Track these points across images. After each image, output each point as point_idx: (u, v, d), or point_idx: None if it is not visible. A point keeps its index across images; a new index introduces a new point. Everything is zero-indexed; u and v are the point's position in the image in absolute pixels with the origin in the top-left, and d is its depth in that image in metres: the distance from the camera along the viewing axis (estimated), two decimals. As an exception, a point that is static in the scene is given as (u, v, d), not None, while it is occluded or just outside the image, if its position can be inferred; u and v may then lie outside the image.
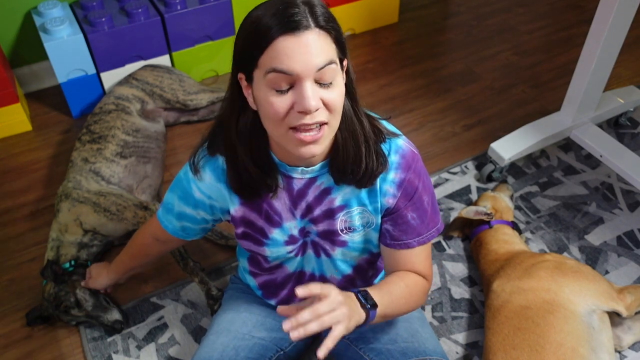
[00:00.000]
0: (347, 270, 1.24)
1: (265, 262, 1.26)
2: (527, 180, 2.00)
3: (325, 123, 0.94)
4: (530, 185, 1.98)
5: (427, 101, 2.37)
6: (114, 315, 1.57)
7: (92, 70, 2.23)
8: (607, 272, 1.70)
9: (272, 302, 1.36)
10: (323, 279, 1.25)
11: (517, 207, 1.91)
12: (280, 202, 1.13)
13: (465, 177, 2.02)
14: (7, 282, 1.74)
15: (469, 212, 1.70)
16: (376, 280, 1.35)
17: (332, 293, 0.95)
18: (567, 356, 1.30)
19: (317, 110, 0.92)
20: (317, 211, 1.13)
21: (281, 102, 0.92)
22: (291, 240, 1.17)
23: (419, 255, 1.17)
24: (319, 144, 0.96)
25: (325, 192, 1.11)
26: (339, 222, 1.13)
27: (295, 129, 0.94)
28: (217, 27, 2.36)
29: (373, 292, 1.06)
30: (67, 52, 2.13)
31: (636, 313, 1.50)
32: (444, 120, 2.28)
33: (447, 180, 2.01)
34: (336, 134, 1.02)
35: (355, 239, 1.16)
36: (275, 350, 1.28)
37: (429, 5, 2.97)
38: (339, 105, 0.95)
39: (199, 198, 1.18)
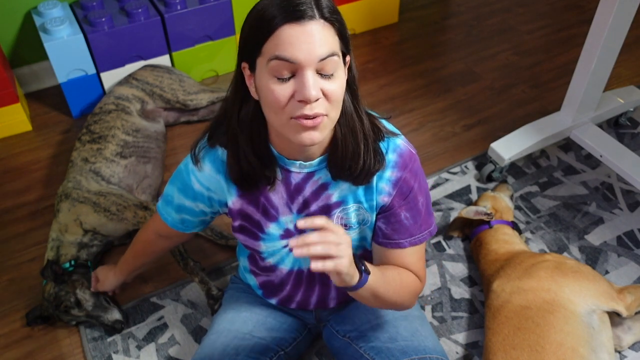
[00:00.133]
0: None
1: (260, 261, 1.26)
2: (527, 180, 2.00)
3: (325, 115, 0.95)
4: (530, 185, 1.98)
5: (427, 101, 2.37)
6: (114, 315, 1.57)
7: (92, 70, 2.23)
8: (607, 272, 1.70)
9: (273, 301, 1.36)
10: (322, 274, 1.25)
11: (517, 207, 1.91)
12: (277, 196, 1.13)
13: (465, 177, 2.02)
14: (7, 282, 1.74)
15: (469, 212, 1.70)
16: None
17: (340, 230, 0.94)
18: (567, 356, 1.30)
19: (317, 100, 0.92)
20: (314, 207, 1.13)
21: (282, 90, 0.92)
22: (286, 234, 1.18)
23: (410, 256, 1.16)
24: (319, 131, 0.96)
25: (323, 188, 1.12)
26: (335, 219, 1.14)
27: (295, 118, 0.94)
28: (217, 27, 2.36)
29: (367, 265, 1.05)
30: (67, 52, 2.13)
31: (636, 313, 1.50)
32: (444, 120, 2.28)
33: (447, 180, 2.01)
34: (336, 129, 1.03)
35: (352, 236, 1.17)
36: (276, 350, 1.28)
37: (429, 5, 2.98)
38: (339, 97, 0.96)
39: (197, 190, 1.18)
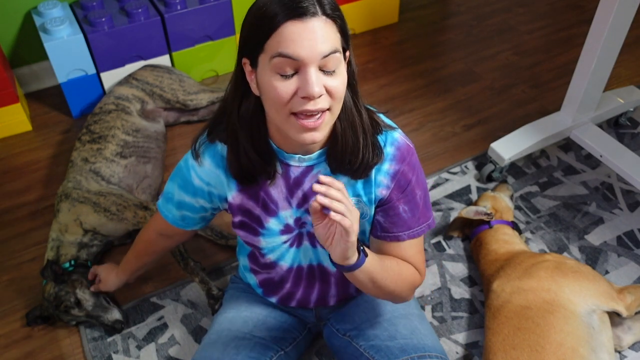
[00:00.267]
0: None
1: (260, 257, 1.26)
2: (527, 180, 2.00)
3: (327, 109, 0.96)
4: (530, 185, 1.98)
5: (427, 101, 2.37)
6: (114, 315, 1.57)
7: (92, 70, 2.23)
8: (607, 272, 1.70)
9: (273, 299, 1.36)
10: (322, 269, 1.25)
11: (517, 207, 1.91)
12: (277, 190, 1.14)
13: (465, 177, 2.02)
14: (7, 282, 1.74)
15: (469, 212, 1.70)
16: None
17: (349, 202, 0.95)
18: (567, 356, 1.30)
19: (320, 96, 0.93)
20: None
21: (285, 87, 0.93)
22: (286, 229, 1.18)
23: (408, 249, 1.17)
24: (320, 131, 0.97)
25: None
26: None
27: (297, 115, 0.95)
28: (217, 27, 2.36)
29: (366, 250, 1.06)
30: (67, 52, 2.13)
31: (636, 313, 1.50)
32: (444, 120, 2.28)
33: (447, 180, 2.01)
34: (335, 124, 1.03)
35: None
36: (276, 350, 1.28)
37: (429, 5, 2.98)
38: (341, 93, 0.97)
39: (198, 185, 1.19)
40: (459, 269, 1.74)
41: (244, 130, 1.05)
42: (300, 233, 1.19)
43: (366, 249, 1.06)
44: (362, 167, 1.07)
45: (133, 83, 2.12)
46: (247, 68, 0.99)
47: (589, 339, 1.35)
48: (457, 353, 1.53)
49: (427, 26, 2.83)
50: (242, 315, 1.34)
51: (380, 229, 1.16)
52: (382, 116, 1.14)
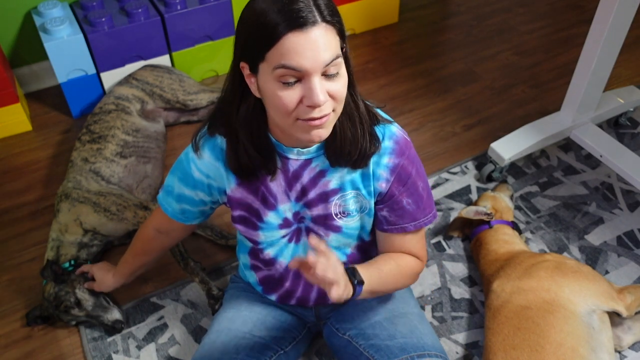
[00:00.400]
0: (342, 258, 1.25)
1: (260, 253, 1.27)
2: (527, 180, 2.00)
3: (332, 112, 0.98)
4: (530, 185, 1.98)
5: (427, 101, 2.37)
6: (114, 315, 1.57)
7: (92, 70, 2.23)
8: (607, 272, 1.70)
9: (273, 297, 1.36)
10: None
11: (517, 207, 1.91)
12: (276, 184, 1.15)
13: (465, 177, 2.02)
14: (7, 282, 1.74)
15: (469, 212, 1.70)
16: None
17: (334, 256, 0.99)
18: (567, 356, 1.30)
19: (325, 103, 0.95)
20: (312, 194, 1.15)
21: (290, 96, 0.94)
22: (285, 223, 1.19)
23: (413, 239, 1.21)
24: (326, 128, 1.00)
25: (320, 175, 1.14)
26: (334, 206, 1.16)
27: (303, 120, 0.97)
28: (217, 27, 2.36)
29: (362, 270, 1.12)
30: (67, 52, 2.13)
31: (636, 313, 1.50)
32: (444, 120, 2.28)
33: (447, 180, 2.01)
34: None
35: (350, 224, 1.18)
36: (276, 350, 1.28)
37: (429, 5, 2.97)
38: (343, 94, 0.99)
39: (197, 178, 1.19)
40: (459, 269, 1.74)
41: (244, 130, 1.06)
42: (299, 228, 1.20)
43: (361, 272, 1.10)
44: (360, 157, 1.10)
45: (133, 83, 2.12)
46: (246, 72, 0.99)
47: (589, 339, 1.35)
48: (457, 353, 1.53)
49: (427, 26, 2.83)
50: (241, 315, 1.34)
51: (386, 222, 1.19)
52: (379, 111, 1.15)
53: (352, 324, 1.30)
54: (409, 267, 1.23)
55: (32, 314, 1.60)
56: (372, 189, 1.15)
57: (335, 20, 0.93)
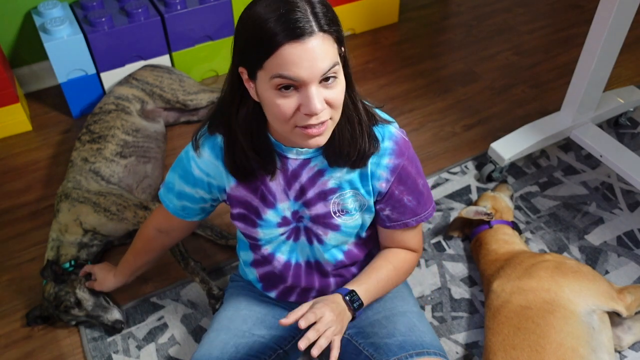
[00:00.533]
0: (339, 256, 1.26)
1: (258, 249, 1.28)
2: (527, 180, 2.00)
3: (329, 119, 0.99)
4: (530, 185, 1.98)
5: (427, 101, 2.37)
6: (114, 315, 1.57)
7: (92, 70, 2.23)
8: (607, 272, 1.70)
9: (272, 294, 1.36)
10: (319, 266, 1.27)
11: (517, 207, 1.91)
12: (275, 183, 1.16)
13: (465, 177, 2.02)
14: (7, 282, 1.74)
15: (469, 212, 1.70)
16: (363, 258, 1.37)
17: (325, 313, 1.08)
18: (567, 356, 1.30)
19: (322, 111, 0.96)
20: (311, 193, 1.16)
21: (287, 105, 0.95)
22: (284, 222, 1.20)
23: (412, 232, 1.26)
24: (324, 135, 1.01)
25: (319, 174, 1.15)
26: (332, 205, 1.17)
27: (301, 127, 0.98)
28: (217, 27, 2.36)
29: (360, 286, 1.19)
30: (67, 52, 2.13)
31: (636, 313, 1.50)
32: (444, 120, 2.28)
33: (447, 180, 2.01)
34: None
35: (349, 222, 1.19)
36: (275, 349, 1.28)
37: (429, 5, 2.97)
38: (341, 101, 1.00)
39: (197, 176, 1.20)
40: (459, 269, 1.74)
41: (243, 132, 1.07)
42: (297, 227, 1.21)
43: (359, 291, 1.18)
44: (359, 158, 1.11)
45: (133, 83, 2.12)
46: (245, 76, 1.00)
47: (589, 339, 1.35)
48: (457, 353, 1.53)
49: (427, 26, 2.83)
50: (241, 314, 1.34)
51: (388, 220, 1.22)
52: (378, 111, 1.16)
53: (352, 323, 1.30)
54: (405, 265, 1.27)
55: (32, 314, 1.60)
56: (370, 188, 1.16)
57: (332, 29, 0.94)
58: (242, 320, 1.32)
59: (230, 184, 1.18)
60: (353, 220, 1.19)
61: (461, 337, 1.57)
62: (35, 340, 1.60)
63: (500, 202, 1.77)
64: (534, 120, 2.05)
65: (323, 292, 1.32)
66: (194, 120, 2.27)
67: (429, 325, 1.32)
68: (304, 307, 1.11)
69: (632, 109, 2.16)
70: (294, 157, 1.13)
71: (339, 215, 1.18)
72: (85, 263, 1.66)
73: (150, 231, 1.41)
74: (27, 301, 1.69)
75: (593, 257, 1.74)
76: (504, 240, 1.65)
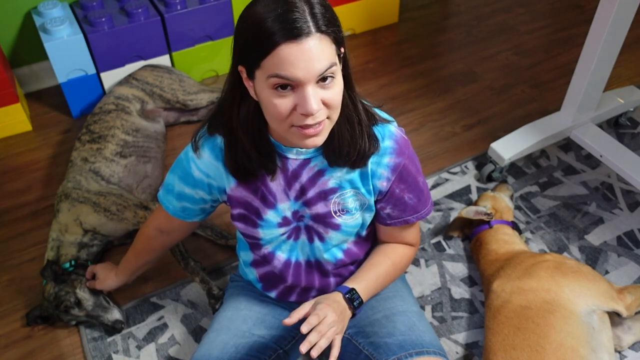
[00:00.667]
0: (339, 255, 1.26)
1: (258, 249, 1.28)
2: (527, 180, 2.00)
3: (327, 118, 0.99)
4: (530, 185, 1.98)
5: (427, 101, 2.37)
6: (114, 315, 1.57)
7: (92, 70, 2.23)
8: (607, 272, 1.70)
9: (273, 294, 1.36)
10: (319, 266, 1.27)
11: (517, 207, 1.91)
12: (275, 183, 1.16)
13: (465, 177, 2.02)
14: (7, 282, 1.74)
15: (469, 212, 1.70)
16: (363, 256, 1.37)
17: (328, 314, 1.10)
18: (567, 356, 1.30)
19: (318, 111, 0.96)
20: (311, 193, 1.16)
21: (284, 104, 0.95)
22: (284, 222, 1.20)
23: (411, 228, 1.28)
24: (321, 135, 1.01)
25: (319, 174, 1.15)
26: (333, 204, 1.17)
27: (297, 127, 0.98)
28: (217, 27, 2.36)
29: (360, 283, 1.22)
30: (67, 52, 2.13)
31: (636, 313, 1.50)
32: (444, 120, 2.28)
33: (447, 180, 2.01)
34: None
35: (349, 222, 1.20)
36: (275, 349, 1.28)
37: (429, 5, 2.98)
38: (338, 102, 0.99)
39: (197, 177, 1.20)
40: (459, 269, 1.74)
41: (244, 131, 1.08)
42: (298, 226, 1.21)
43: (359, 289, 1.20)
44: (359, 158, 1.11)
45: (133, 83, 2.12)
46: (244, 75, 1.01)
47: (589, 339, 1.35)
48: (457, 353, 1.53)
49: (427, 26, 2.83)
50: (241, 314, 1.34)
51: (389, 218, 1.23)
52: (377, 110, 1.17)
53: (351, 322, 1.31)
54: (403, 260, 1.30)
55: (32, 314, 1.60)
56: (371, 187, 1.17)
57: (330, 30, 0.94)
58: (242, 320, 1.32)
59: (230, 184, 1.18)
60: (353, 219, 1.19)
61: (461, 337, 1.57)
62: (35, 340, 1.60)
63: (500, 202, 1.77)
64: (534, 120, 2.05)
65: (323, 291, 1.32)
66: (194, 120, 2.27)
67: (429, 324, 1.33)
68: (307, 306, 1.11)
69: (632, 109, 2.16)
70: (294, 158, 1.13)
71: (339, 215, 1.18)
72: (85, 263, 1.66)
73: (150, 231, 1.41)
74: (27, 301, 1.69)
75: (593, 257, 1.74)
76: (504, 240, 1.65)
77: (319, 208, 1.17)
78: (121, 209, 1.72)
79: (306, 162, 1.14)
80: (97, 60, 2.21)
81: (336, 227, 1.19)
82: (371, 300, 1.33)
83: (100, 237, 1.71)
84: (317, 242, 1.22)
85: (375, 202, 1.21)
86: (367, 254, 1.33)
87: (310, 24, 0.91)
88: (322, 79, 0.94)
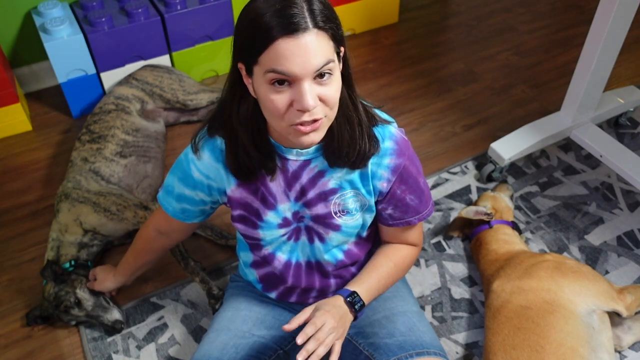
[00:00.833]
0: (339, 255, 1.26)
1: (259, 249, 1.28)
2: (527, 180, 2.00)
3: (324, 117, 0.99)
4: (530, 185, 1.98)
5: (427, 101, 2.37)
6: (114, 315, 1.57)
7: (92, 70, 2.23)
8: (607, 272, 1.70)
9: (273, 294, 1.36)
10: (319, 267, 1.27)
11: (517, 207, 1.91)
12: (275, 184, 1.16)
13: (465, 177, 2.02)
14: (7, 282, 1.74)
15: (469, 212, 1.70)
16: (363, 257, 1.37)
17: (326, 321, 1.09)
18: (567, 356, 1.30)
19: (315, 108, 0.95)
20: (311, 194, 1.16)
21: (280, 100, 0.95)
22: (284, 222, 1.20)
23: (414, 229, 1.27)
24: (318, 132, 1.00)
25: (319, 175, 1.15)
26: (333, 205, 1.17)
27: (294, 125, 0.98)
28: (217, 27, 2.36)
29: (361, 285, 1.20)
30: (67, 52, 2.13)
31: (636, 313, 1.50)
32: (444, 120, 2.28)
33: (447, 180, 2.01)
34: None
35: (349, 223, 1.19)
36: (275, 349, 1.28)
37: (429, 5, 2.97)
38: (335, 99, 0.99)
39: (197, 178, 1.20)
40: (459, 269, 1.74)
41: (244, 130, 1.07)
42: (298, 227, 1.21)
43: (360, 292, 1.19)
44: (359, 159, 1.11)
45: (133, 83, 2.12)
46: (243, 72, 1.01)
47: (589, 339, 1.35)
48: (457, 353, 1.53)
49: (427, 26, 2.83)
50: (241, 314, 1.34)
51: (391, 219, 1.22)
52: (377, 111, 1.17)
53: (352, 323, 1.31)
54: (406, 261, 1.29)
55: (32, 314, 1.60)
56: (371, 188, 1.16)
57: (328, 26, 0.94)
58: (242, 321, 1.32)
59: (230, 186, 1.18)
60: (354, 220, 1.19)
61: (461, 337, 1.57)
62: (35, 340, 1.60)
63: (500, 202, 1.77)
64: (534, 120, 2.05)
65: (323, 292, 1.32)
66: (194, 120, 2.27)
67: (429, 325, 1.32)
68: (307, 311, 1.11)
69: (632, 109, 2.16)
70: (294, 159, 1.13)
71: (339, 216, 1.18)
72: (85, 263, 1.66)
73: (150, 232, 1.41)
74: (27, 301, 1.69)
75: (593, 257, 1.74)
76: (504, 240, 1.65)
77: (319, 209, 1.17)
78: (121, 209, 1.72)
79: (306, 163, 1.14)
80: (97, 60, 2.21)
81: (336, 228, 1.19)
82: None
83: (100, 237, 1.71)
84: (317, 243, 1.22)
85: (376, 202, 1.20)
86: (367, 255, 1.33)
87: (308, 19, 0.91)
88: (320, 75, 0.94)
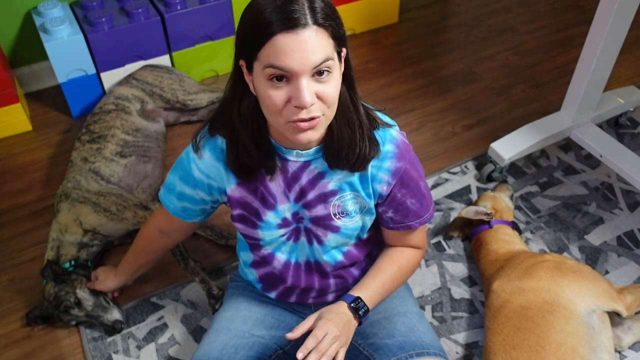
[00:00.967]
0: (338, 257, 1.26)
1: (258, 249, 1.28)
2: (527, 180, 2.00)
3: (321, 115, 0.98)
4: (530, 185, 1.98)
5: (427, 101, 2.37)
6: (114, 315, 1.57)
7: (92, 70, 2.23)
8: (607, 272, 1.70)
9: (272, 294, 1.36)
10: (318, 267, 1.27)
11: (517, 207, 1.91)
12: (275, 184, 1.16)
13: (465, 177, 2.02)
14: (7, 282, 1.74)
15: (469, 212, 1.70)
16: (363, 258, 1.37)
17: (328, 331, 1.09)
18: (567, 356, 1.30)
19: (312, 105, 0.95)
20: (311, 195, 1.16)
21: (278, 96, 0.95)
22: (284, 223, 1.20)
23: (416, 233, 1.27)
24: (315, 130, 1.00)
25: (319, 177, 1.15)
26: (332, 207, 1.17)
27: (292, 122, 0.98)
28: (217, 27, 2.36)
29: (365, 290, 1.20)
30: (67, 52, 2.13)
31: (636, 313, 1.50)
32: (444, 120, 2.28)
33: (447, 180, 2.01)
34: (332, 120, 1.05)
35: (349, 224, 1.19)
36: (275, 349, 1.28)
37: (429, 5, 2.98)
38: (333, 98, 0.99)
39: (198, 177, 1.20)
40: (459, 269, 1.74)
41: (245, 128, 1.08)
42: (298, 228, 1.21)
43: (365, 297, 1.19)
44: (359, 161, 1.10)
45: (133, 83, 2.12)
46: (244, 69, 1.01)
47: (589, 339, 1.35)
48: (457, 353, 1.53)
49: (427, 26, 2.83)
50: (241, 314, 1.34)
51: (392, 222, 1.22)
52: (379, 114, 1.16)
53: None
54: (410, 264, 1.28)
55: (32, 314, 1.60)
56: (371, 191, 1.16)
57: (328, 24, 0.94)
58: (241, 321, 1.32)
59: (230, 185, 1.18)
60: (353, 222, 1.19)
61: (461, 337, 1.57)
62: (35, 340, 1.60)
63: (500, 202, 1.77)
64: (534, 120, 2.05)
65: (323, 292, 1.32)
66: (194, 120, 2.27)
67: (429, 325, 1.32)
68: (310, 319, 1.12)
69: (632, 109, 2.16)
70: (294, 160, 1.13)
71: (339, 217, 1.18)
72: (85, 263, 1.66)
73: (151, 232, 1.41)
74: (27, 301, 1.69)
75: (593, 257, 1.74)
76: (504, 240, 1.65)
77: (319, 210, 1.17)
78: (121, 209, 1.72)
79: (306, 164, 1.14)
80: (97, 60, 2.21)
81: (335, 230, 1.19)
82: None
83: (100, 237, 1.71)
84: (316, 245, 1.22)
85: (377, 205, 1.20)
86: (367, 256, 1.33)
87: (308, 16, 0.91)
88: (318, 72, 0.94)
